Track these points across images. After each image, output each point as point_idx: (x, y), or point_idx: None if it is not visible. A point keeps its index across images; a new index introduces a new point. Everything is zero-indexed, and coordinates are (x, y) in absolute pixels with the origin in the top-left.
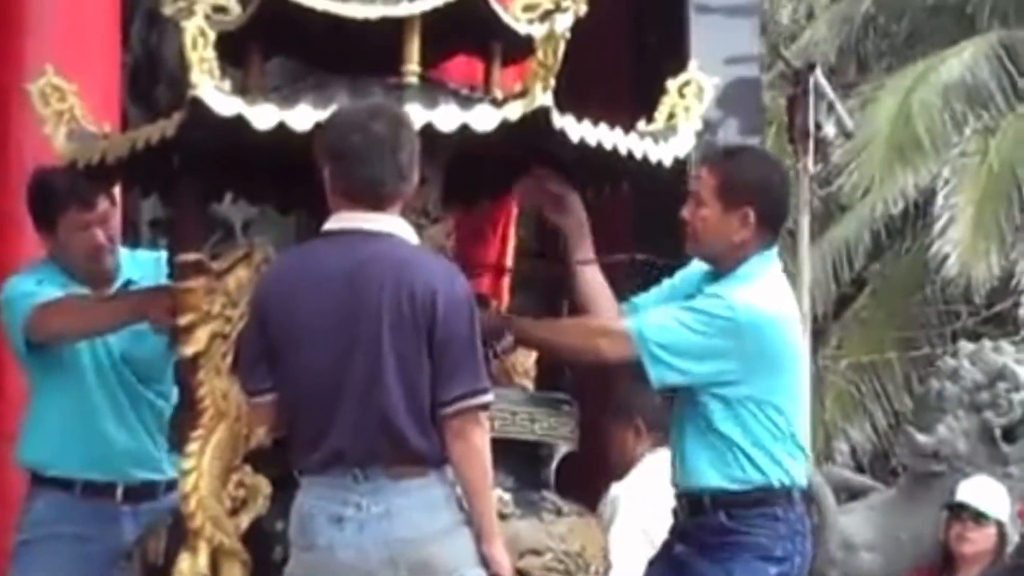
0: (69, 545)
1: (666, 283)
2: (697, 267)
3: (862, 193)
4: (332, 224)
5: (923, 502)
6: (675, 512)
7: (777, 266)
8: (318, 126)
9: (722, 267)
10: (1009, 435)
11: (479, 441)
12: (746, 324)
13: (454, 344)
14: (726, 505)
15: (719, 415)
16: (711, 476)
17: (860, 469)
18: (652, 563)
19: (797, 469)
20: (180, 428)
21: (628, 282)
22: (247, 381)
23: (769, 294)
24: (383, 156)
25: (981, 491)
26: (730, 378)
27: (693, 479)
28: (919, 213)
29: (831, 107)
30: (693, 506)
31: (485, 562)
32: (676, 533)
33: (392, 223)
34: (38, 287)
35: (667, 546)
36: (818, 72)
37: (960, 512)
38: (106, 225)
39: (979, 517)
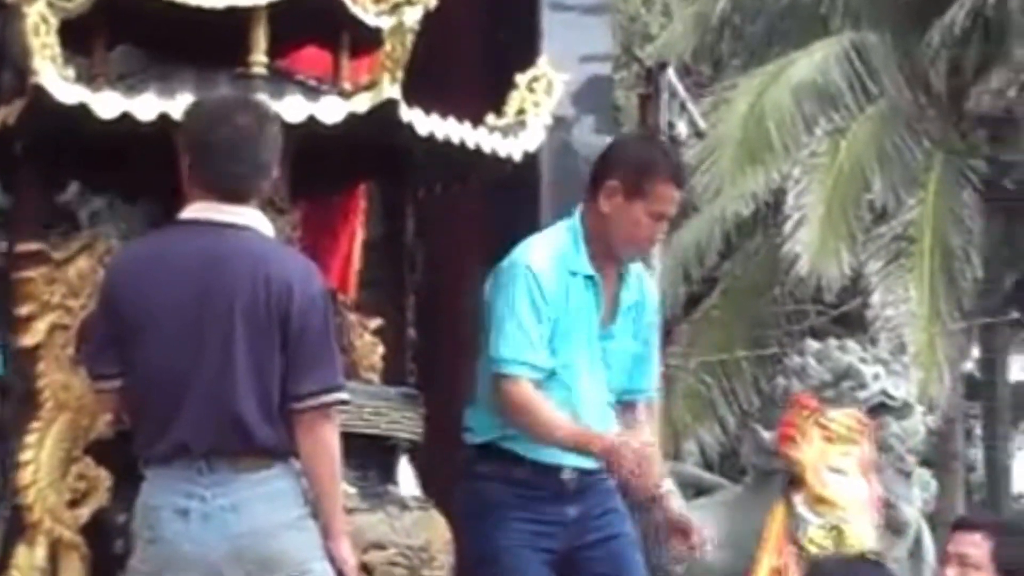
0: None
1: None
2: (546, 269)
3: (714, 193)
4: (189, 213)
5: (769, 498)
6: (545, 482)
7: None
8: (163, 116)
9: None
10: None
11: (329, 437)
12: None
13: (308, 339)
14: None
15: None
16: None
17: (709, 468)
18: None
19: None
20: (9, 419)
21: None
22: (94, 366)
23: None
24: (247, 150)
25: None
26: None
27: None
28: (770, 213)
29: (683, 106)
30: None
31: (331, 558)
32: (556, 500)
33: (251, 216)
34: None
35: (543, 516)
36: (671, 71)
37: None
38: None
39: None
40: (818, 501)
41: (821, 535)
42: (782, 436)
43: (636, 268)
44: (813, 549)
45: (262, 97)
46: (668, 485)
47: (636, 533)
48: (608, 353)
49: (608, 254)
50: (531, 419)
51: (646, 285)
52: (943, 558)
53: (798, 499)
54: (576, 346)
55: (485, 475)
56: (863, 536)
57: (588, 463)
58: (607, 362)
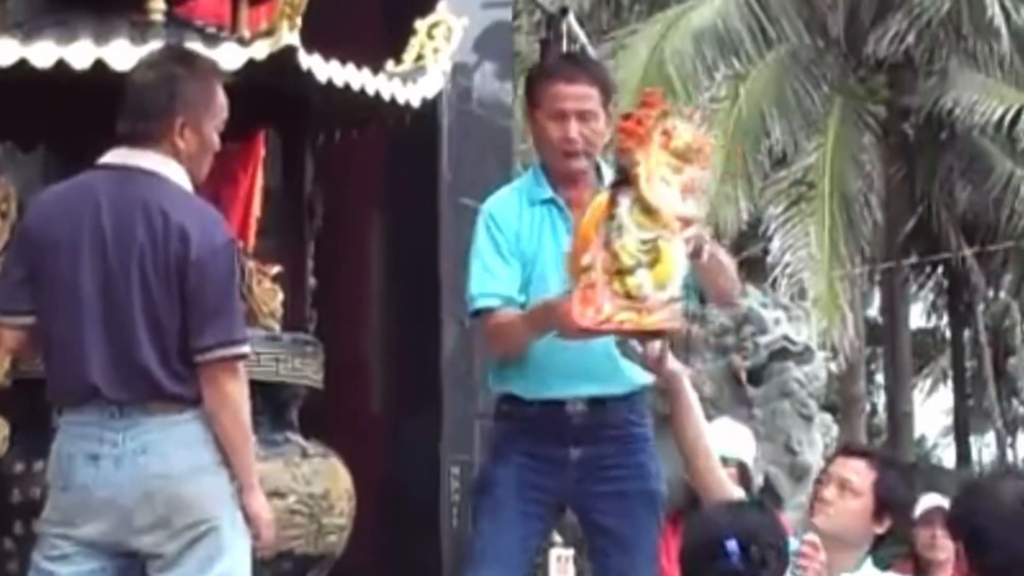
0: None
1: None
2: (503, 205)
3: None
4: (104, 158)
5: (669, 444)
6: (548, 421)
7: None
8: (60, 62)
9: (591, 174)
10: (754, 378)
11: (233, 390)
12: None
13: (207, 291)
14: (627, 400)
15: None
16: (619, 376)
17: None
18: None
19: None
20: None
21: None
22: (6, 302)
23: None
24: (142, 97)
25: (721, 433)
26: None
27: (596, 383)
28: None
29: (583, 52)
30: (592, 406)
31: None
32: (558, 440)
33: (158, 162)
34: None
35: (545, 456)
36: (571, 17)
37: None
38: None
39: (721, 460)
40: (645, 211)
41: (636, 247)
42: (627, 130)
43: None
44: (625, 260)
45: (159, 44)
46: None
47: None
48: None
49: (564, 177)
50: (504, 335)
51: None
52: (822, 478)
53: (624, 202)
54: (554, 285)
55: (498, 416)
56: (676, 261)
57: (596, 389)
58: None
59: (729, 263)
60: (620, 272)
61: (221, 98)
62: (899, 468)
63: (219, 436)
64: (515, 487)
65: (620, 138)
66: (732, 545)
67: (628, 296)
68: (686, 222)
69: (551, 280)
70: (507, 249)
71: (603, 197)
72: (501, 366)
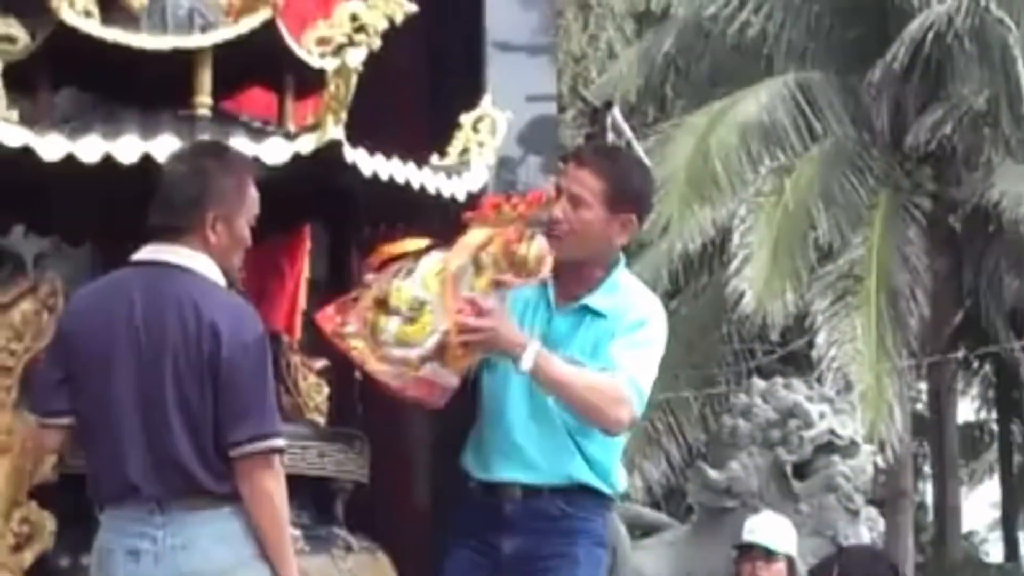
0: None
1: None
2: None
3: (660, 231)
4: (138, 255)
5: (716, 538)
6: (487, 506)
7: None
8: (107, 158)
9: (586, 272)
10: (800, 472)
11: (268, 485)
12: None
13: (238, 385)
14: (566, 497)
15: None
16: (558, 468)
17: (655, 505)
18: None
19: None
20: None
21: None
22: (44, 403)
23: (650, 294)
24: (174, 190)
25: (768, 528)
26: None
27: (532, 471)
28: (716, 251)
29: (629, 145)
30: (527, 495)
31: None
32: (503, 527)
33: (190, 258)
34: None
35: (486, 546)
36: (616, 110)
37: (750, 550)
38: None
39: (768, 554)
40: (437, 276)
41: (408, 298)
42: (482, 204)
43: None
44: (393, 300)
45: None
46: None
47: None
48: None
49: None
50: None
51: None
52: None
53: (433, 257)
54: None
55: (458, 498)
56: (427, 336)
57: (528, 478)
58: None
59: (583, 386)
60: (381, 305)
61: (253, 192)
62: None
63: (257, 530)
64: None
65: (478, 207)
66: None
67: (372, 330)
68: (465, 327)
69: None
70: None
71: (426, 244)
72: (470, 436)
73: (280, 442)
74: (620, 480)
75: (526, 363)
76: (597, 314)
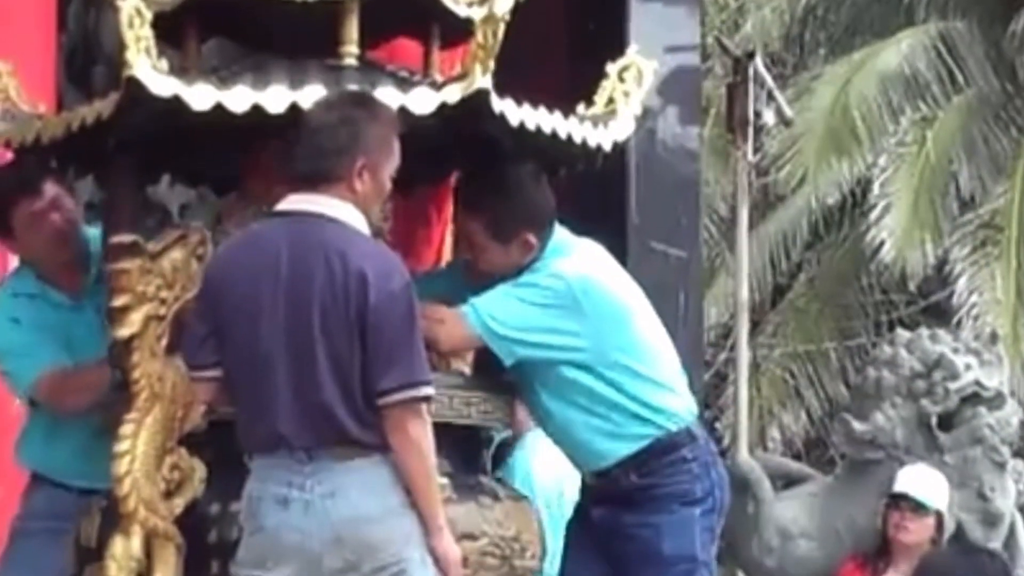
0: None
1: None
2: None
3: (799, 182)
4: (282, 205)
5: (859, 489)
6: (583, 478)
7: (567, 233)
8: (256, 107)
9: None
10: (945, 423)
11: (417, 433)
12: (578, 288)
13: (387, 334)
14: (635, 466)
15: (589, 383)
16: (606, 446)
17: (796, 457)
18: (570, 529)
19: (681, 405)
20: (112, 409)
21: None
22: (192, 356)
23: (585, 257)
24: (317, 139)
25: (921, 481)
26: (582, 344)
27: (591, 457)
28: (855, 203)
29: (771, 95)
30: (600, 476)
31: (432, 554)
32: (590, 496)
33: (337, 207)
34: (22, 337)
35: (582, 511)
36: (758, 60)
37: (899, 502)
38: (61, 210)
39: (919, 507)
40: None
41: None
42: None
43: None
44: None
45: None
46: None
47: None
48: None
49: None
50: None
51: None
52: None
53: None
54: None
55: None
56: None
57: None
58: None
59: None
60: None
61: (396, 144)
62: None
63: (404, 477)
64: None
65: None
66: None
67: None
68: None
69: None
70: None
71: None
72: None
73: (429, 390)
74: (677, 411)
75: None
76: None
